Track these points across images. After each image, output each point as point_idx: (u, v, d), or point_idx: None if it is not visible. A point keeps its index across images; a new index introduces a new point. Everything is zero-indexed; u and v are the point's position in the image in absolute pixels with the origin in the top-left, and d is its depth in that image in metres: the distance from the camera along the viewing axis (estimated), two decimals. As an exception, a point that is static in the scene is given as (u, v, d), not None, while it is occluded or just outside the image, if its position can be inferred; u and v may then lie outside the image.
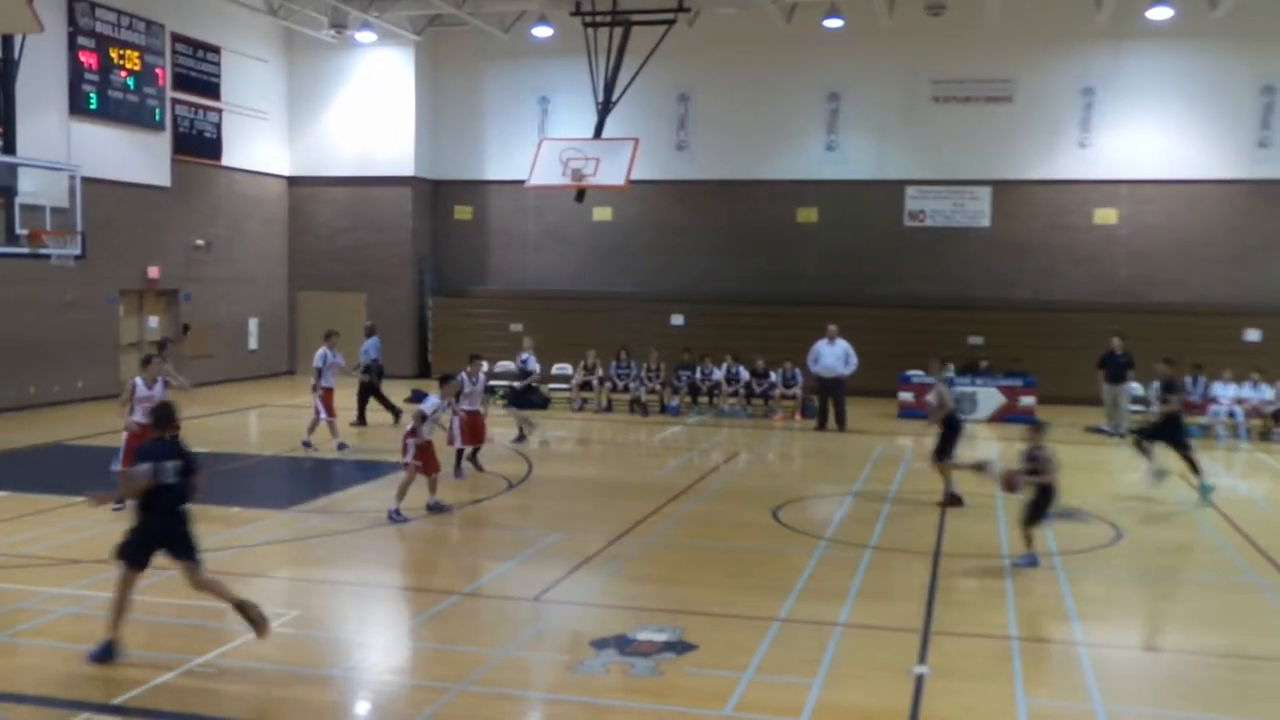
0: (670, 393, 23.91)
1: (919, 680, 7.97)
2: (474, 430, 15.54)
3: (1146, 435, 15.41)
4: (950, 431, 14.18)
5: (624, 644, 8.57)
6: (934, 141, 27.24)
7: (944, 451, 14.14)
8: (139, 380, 13.22)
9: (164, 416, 8.68)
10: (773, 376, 23.59)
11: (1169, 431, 15.01)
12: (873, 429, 21.08)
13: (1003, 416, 22.48)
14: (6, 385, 21.42)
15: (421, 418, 13.18)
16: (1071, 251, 26.96)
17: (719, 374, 23.87)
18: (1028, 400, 22.70)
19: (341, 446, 17.71)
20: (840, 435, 20.66)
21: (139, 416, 12.81)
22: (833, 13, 25.64)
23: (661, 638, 8.72)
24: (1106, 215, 26.84)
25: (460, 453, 15.55)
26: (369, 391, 20.50)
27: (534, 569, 10.98)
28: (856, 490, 15.32)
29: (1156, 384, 16.28)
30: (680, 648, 8.51)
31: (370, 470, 16.08)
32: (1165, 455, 15.04)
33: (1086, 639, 9.05)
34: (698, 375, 23.97)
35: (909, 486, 15.39)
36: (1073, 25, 26.20)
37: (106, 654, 8.01)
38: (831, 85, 27.75)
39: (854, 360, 21.19)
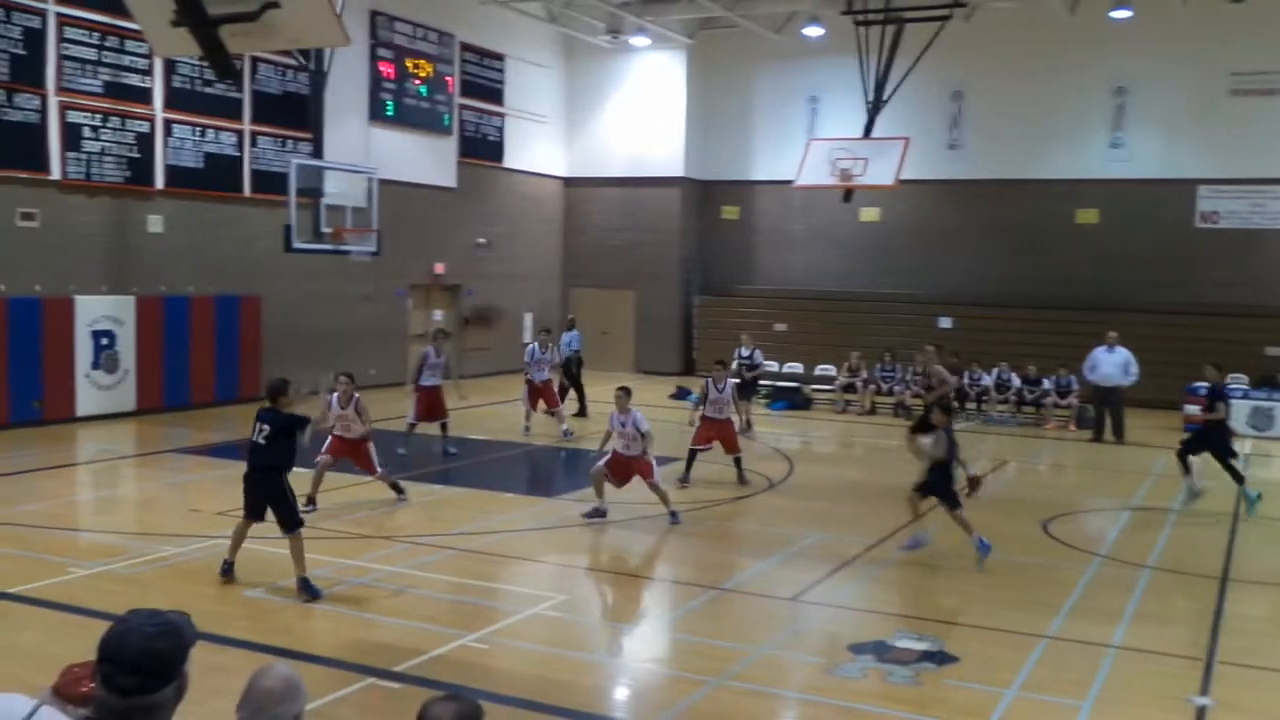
0: (936, 397, 23.31)
1: (1200, 713, 7.51)
2: (718, 437, 15.00)
3: (1190, 449, 14.46)
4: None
5: (882, 650, 8.47)
6: (1231, 137, 25.29)
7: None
8: (335, 396, 12.99)
9: (273, 389, 9.92)
10: (1045, 384, 22.64)
11: (1214, 441, 14.15)
12: (1154, 442, 19.85)
13: (1306, 435, 20.74)
14: (312, 370, 23.19)
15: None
16: (1397, 256, 24.50)
17: (988, 379, 23.10)
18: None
19: (526, 430, 19.27)
20: (1118, 448, 19.61)
21: (337, 429, 12.98)
22: (1120, 4, 24.30)
23: (921, 646, 8.57)
24: None
25: (693, 454, 15.01)
26: (571, 381, 21.34)
27: (792, 569, 11.01)
28: (1134, 505, 14.52)
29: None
30: (940, 658, 8.34)
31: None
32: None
33: (1397, 682, 8.27)
34: (965, 380, 23.28)
35: (1193, 504, 14.43)
36: (1400, 7, 23.79)
37: (227, 571, 9.83)
38: (1118, 79, 26.27)
39: (1135, 370, 20.11)
